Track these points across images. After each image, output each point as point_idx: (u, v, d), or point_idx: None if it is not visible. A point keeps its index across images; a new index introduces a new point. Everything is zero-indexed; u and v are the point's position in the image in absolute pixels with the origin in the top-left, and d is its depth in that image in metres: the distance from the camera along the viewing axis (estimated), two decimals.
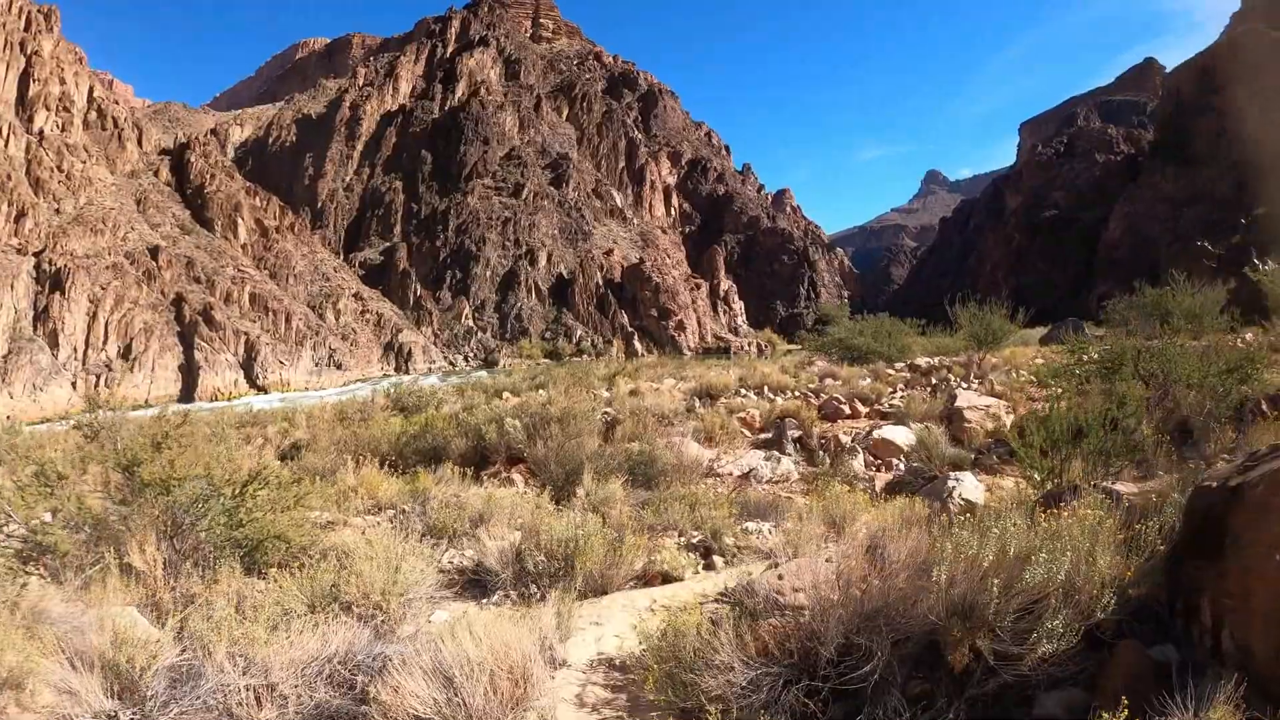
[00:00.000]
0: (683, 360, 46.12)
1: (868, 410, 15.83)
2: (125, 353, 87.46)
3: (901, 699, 3.84)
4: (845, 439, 13.32)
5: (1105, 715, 3.16)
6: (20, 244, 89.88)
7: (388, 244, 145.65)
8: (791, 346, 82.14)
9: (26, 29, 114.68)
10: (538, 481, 11.26)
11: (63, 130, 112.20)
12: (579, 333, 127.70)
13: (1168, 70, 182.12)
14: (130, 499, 6.71)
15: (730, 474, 12.20)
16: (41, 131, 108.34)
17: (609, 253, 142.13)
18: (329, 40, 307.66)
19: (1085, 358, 12.62)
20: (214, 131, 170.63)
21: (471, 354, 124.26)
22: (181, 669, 4.27)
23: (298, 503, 7.48)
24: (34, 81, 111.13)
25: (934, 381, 18.77)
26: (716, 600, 5.65)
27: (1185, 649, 3.88)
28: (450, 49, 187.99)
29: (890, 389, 17.78)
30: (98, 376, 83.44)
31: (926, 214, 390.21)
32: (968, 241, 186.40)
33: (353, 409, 20.67)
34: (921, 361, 21.98)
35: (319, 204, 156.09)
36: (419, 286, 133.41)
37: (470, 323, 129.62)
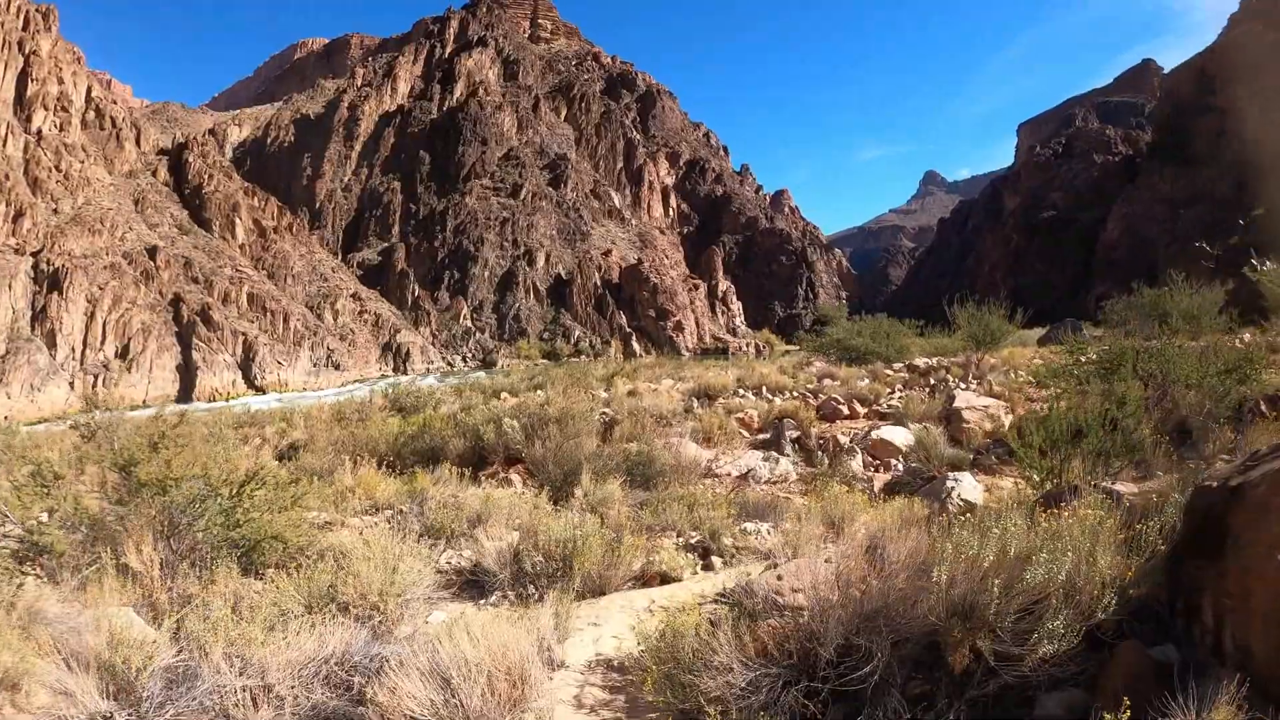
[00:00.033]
0: (681, 361, 46.13)
1: (866, 411, 15.81)
2: (123, 353, 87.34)
3: (902, 700, 3.82)
4: (844, 439, 13.30)
5: (1107, 716, 3.14)
6: (18, 244, 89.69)
7: (386, 244, 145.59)
8: (790, 347, 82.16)
9: (25, 28, 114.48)
10: (536, 482, 11.24)
11: (61, 130, 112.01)
12: (577, 333, 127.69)
13: (1166, 71, 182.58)
14: (127, 499, 6.69)
15: (728, 474, 12.18)
16: (39, 131, 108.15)
17: (607, 253, 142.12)
18: (327, 40, 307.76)
19: (1084, 358, 12.62)
20: (212, 131, 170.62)
21: (469, 354, 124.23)
22: (177, 670, 4.25)
23: (295, 503, 7.45)
24: (32, 81, 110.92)
25: (932, 382, 18.77)
26: (715, 601, 5.63)
27: (1186, 649, 3.86)
28: (449, 49, 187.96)
29: (888, 389, 17.76)
30: (95, 377, 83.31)
31: (924, 215, 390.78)
32: (966, 242, 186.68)
33: (350, 409, 20.63)
34: (920, 362, 21.96)
35: (317, 204, 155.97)
36: (417, 287, 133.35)
37: (468, 323, 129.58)
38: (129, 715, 3.97)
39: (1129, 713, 3.11)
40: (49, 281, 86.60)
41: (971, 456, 11.55)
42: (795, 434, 13.82)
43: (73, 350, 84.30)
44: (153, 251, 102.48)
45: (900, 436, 12.67)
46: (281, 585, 5.52)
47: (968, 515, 5.69)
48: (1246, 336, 18.69)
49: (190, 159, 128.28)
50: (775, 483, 11.87)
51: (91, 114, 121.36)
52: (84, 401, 71.88)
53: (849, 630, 4.05)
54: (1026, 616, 3.88)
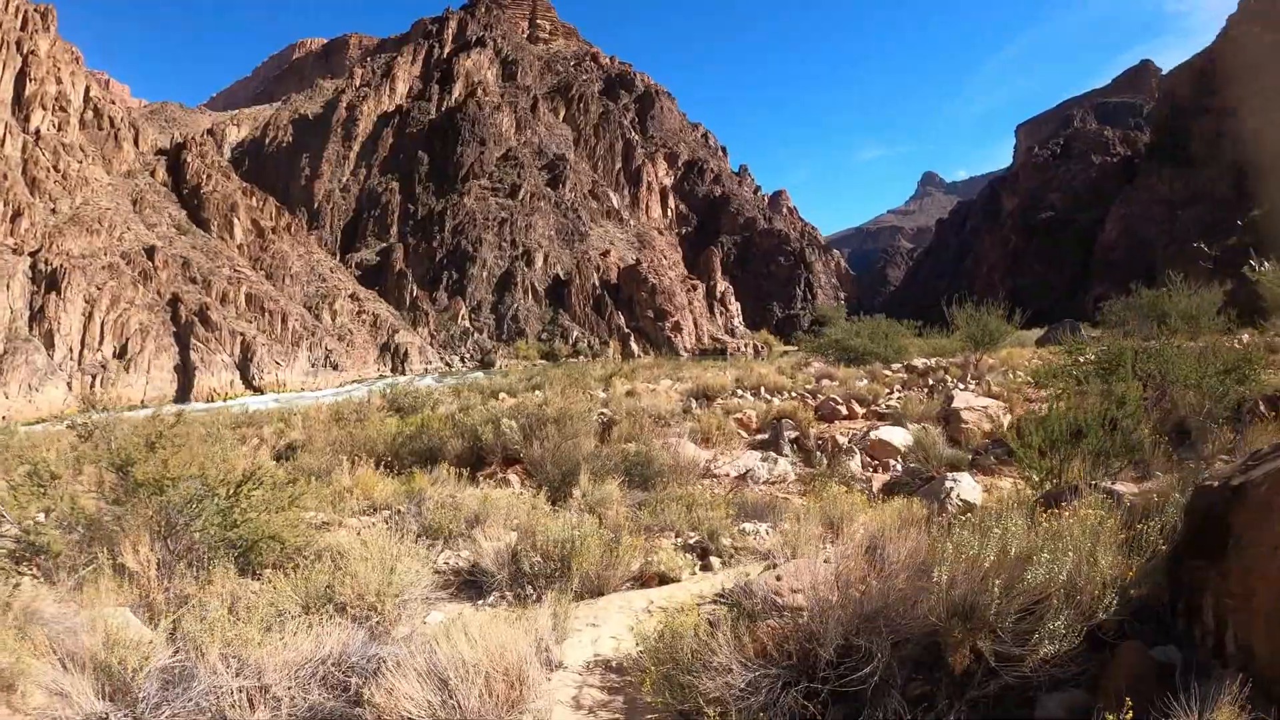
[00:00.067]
0: (679, 361, 46.21)
1: (865, 411, 15.80)
2: (121, 353, 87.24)
3: (902, 701, 3.80)
4: (842, 440, 13.29)
5: (1108, 717, 3.13)
6: (16, 244, 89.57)
7: (384, 245, 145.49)
8: (788, 348, 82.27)
9: (23, 28, 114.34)
10: (534, 482, 11.23)
11: (59, 130, 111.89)
12: (575, 334, 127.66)
13: (1164, 72, 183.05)
14: (124, 499, 6.67)
15: (727, 475, 12.17)
16: (38, 131, 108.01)
17: (605, 254, 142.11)
18: (326, 41, 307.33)
19: (1083, 359, 12.62)
20: (210, 132, 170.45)
21: (468, 355, 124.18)
22: (174, 670, 4.23)
23: (292, 503, 7.44)
24: (30, 81, 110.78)
25: (931, 382, 18.76)
26: (714, 601, 5.61)
27: (1188, 650, 3.85)
28: (447, 50, 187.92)
29: (887, 390, 17.76)
30: (93, 377, 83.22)
31: (923, 215, 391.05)
32: (964, 243, 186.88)
33: (349, 409, 20.63)
34: (918, 362, 21.97)
35: (315, 204, 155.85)
36: (415, 287, 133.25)
37: (467, 324, 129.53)
38: (125, 716, 3.95)
39: (1131, 713, 3.10)
40: (47, 281, 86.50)
41: (970, 457, 11.54)
42: (794, 434, 13.81)
43: (70, 350, 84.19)
44: (151, 251, 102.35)
45: (899, 437, 12.65)
46: (279, 585, 5.50)
47: (967, 515, 5.68)
48: (1245, 337, 18.71)
49: (188, 159, 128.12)
50: (774, 483, 11.85)
51: (90, 114, 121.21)
52: (82, 401, 71.89)
53: (849, 631, 4.03)
54: (1027, 617, 3.86)
